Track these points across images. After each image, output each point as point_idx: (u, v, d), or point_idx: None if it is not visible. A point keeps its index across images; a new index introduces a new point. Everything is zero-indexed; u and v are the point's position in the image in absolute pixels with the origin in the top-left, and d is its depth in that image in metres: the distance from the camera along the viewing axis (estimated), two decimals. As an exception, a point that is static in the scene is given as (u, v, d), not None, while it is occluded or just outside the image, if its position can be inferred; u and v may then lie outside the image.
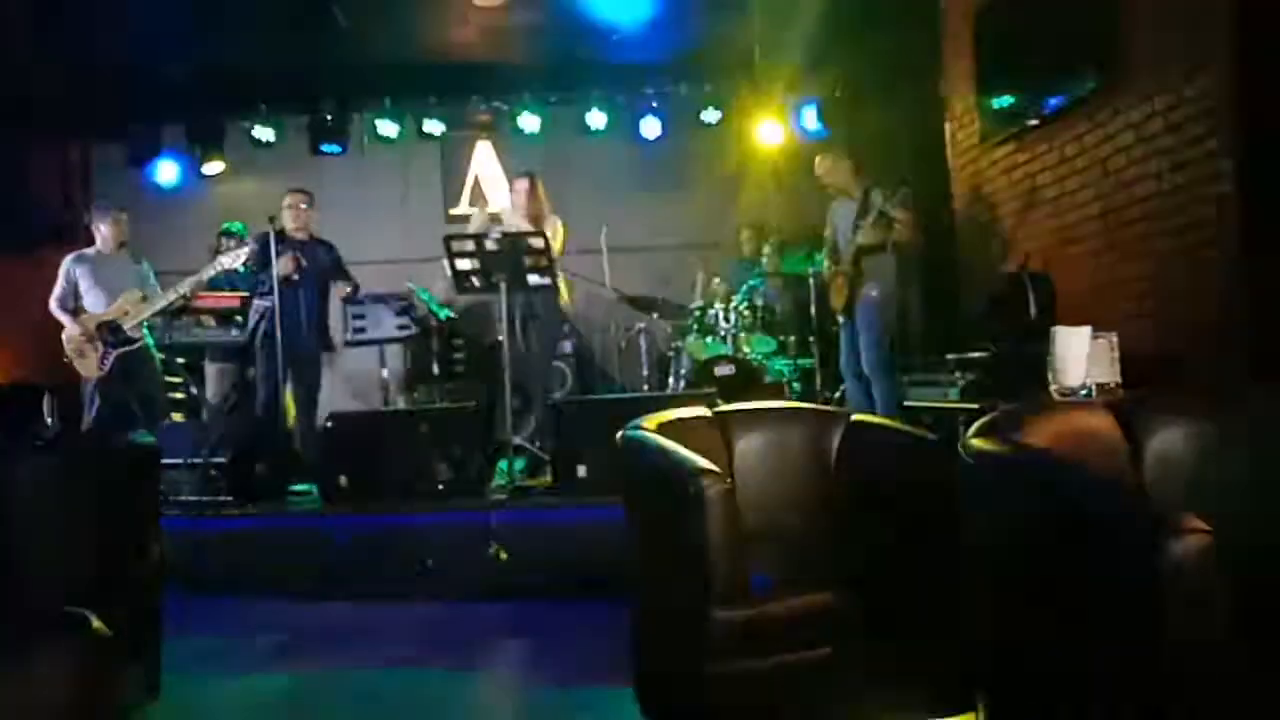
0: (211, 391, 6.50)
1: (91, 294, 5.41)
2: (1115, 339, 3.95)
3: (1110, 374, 3.85)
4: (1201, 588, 1.38)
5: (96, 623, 1.32)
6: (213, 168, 8.06)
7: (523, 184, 5.54)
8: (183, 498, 4.55)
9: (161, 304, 5.49)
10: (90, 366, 5.32)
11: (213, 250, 7.47)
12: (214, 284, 6.37)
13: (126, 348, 5.36)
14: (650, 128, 8.21)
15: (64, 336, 5.38)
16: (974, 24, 5.63)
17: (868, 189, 5.37)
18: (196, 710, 3.05)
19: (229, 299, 6.30)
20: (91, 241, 5.62)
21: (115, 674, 1.38)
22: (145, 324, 5.50)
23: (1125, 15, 4.37)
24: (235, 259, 5.53)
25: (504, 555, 4.09)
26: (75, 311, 5.40)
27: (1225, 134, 3.75)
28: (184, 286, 5.48)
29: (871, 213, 5.20)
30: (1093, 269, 4.76)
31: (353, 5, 6.00)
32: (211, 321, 6.45)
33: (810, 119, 7.96)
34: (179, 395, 6.47)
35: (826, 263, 5.77)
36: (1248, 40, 3.62)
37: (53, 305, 5.42)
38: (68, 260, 5.51)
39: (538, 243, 4.87)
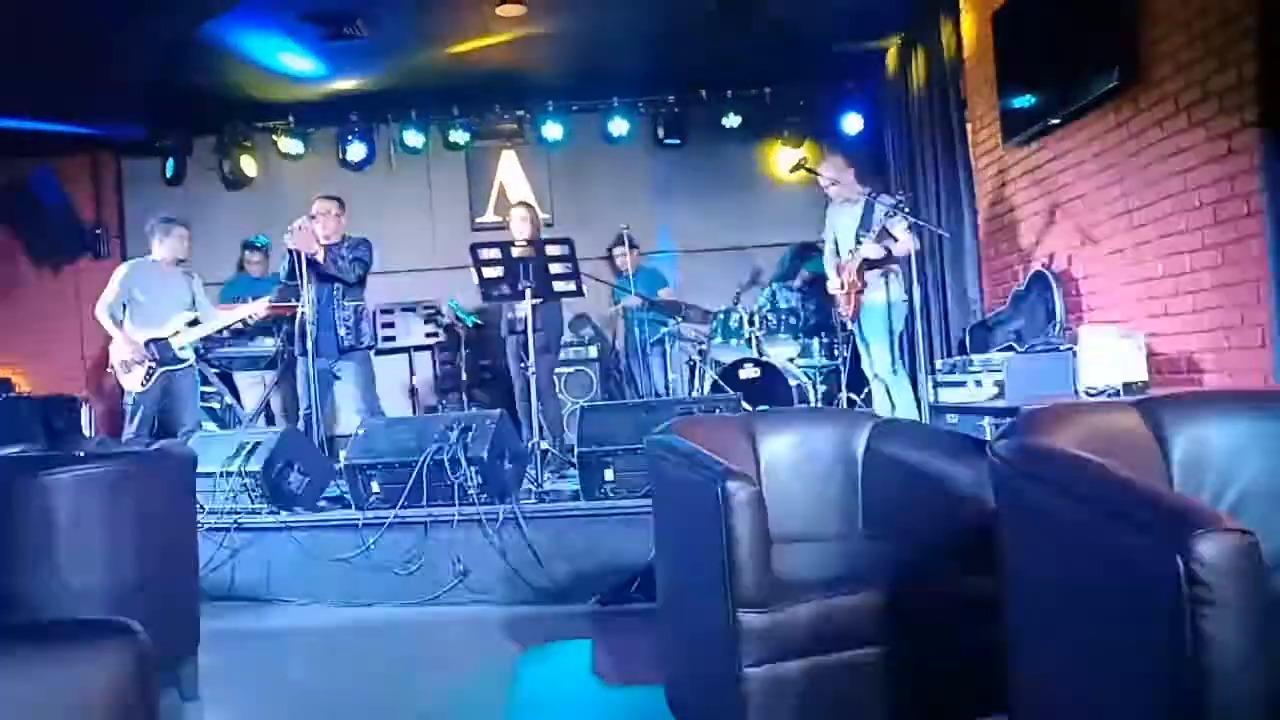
0: (245, 401, 6.59)
1: (146, 307, 5.41)
2: (1142, 338, 3.94)
3: (1138, 373, 3.84)
4: (1234, 589, 1.35)
5: (137, 629, 1.35)
6: (241, 180, 8.20)
7: (522, 211, 5.93)
8: (218, 506, 4.61)
9: (212, 328, 5.57)
10: (134, 381, 5.36)
11: (238, 264, 7.60)
12: (235, 296, 6.48)
13: (172, 367, 5.42)
14: (672, 134, 8.24)
15: (112, 348, 5.42)
16: (994, 23, 5.61)
17: (870, 199, 5.38)
18: (233, 714, 3.09)
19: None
20: (133, 254, 5.69)
21: (155, 679, 1.41)
22: (192, 345, 5.57)
23: (1147, 11, 4.35)
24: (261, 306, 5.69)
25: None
26: (120, 322, 5.42)
27: (1252, 129, 3.72)
28: (234, 316, 5.58)
29: (875, 227, 5.23)
30: (1118, 268, 4.73)
31: (376, 17, 6.07)
32: (228, 332, 6.56)
33: (854, 124, 7.98)
34: (213, 405, 6.57)
35: (828, 266, 5.81)
36: (1273, 33, 3.58)
37: (101, 312, 5.38)
38: (125, 268, 5.52)
39: (562, 250, 4.94)
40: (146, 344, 5.34)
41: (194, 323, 5.51)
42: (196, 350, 5.71)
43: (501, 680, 3.29)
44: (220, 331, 6.13)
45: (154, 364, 5.34)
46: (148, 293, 5.43)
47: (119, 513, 2.80)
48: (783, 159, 8.11)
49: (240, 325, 5.95)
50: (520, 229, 5.82)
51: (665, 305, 7.07)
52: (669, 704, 2.64)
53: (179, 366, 5.44)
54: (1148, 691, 1.48)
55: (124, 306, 5.43)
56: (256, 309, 5.68)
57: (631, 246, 7.17)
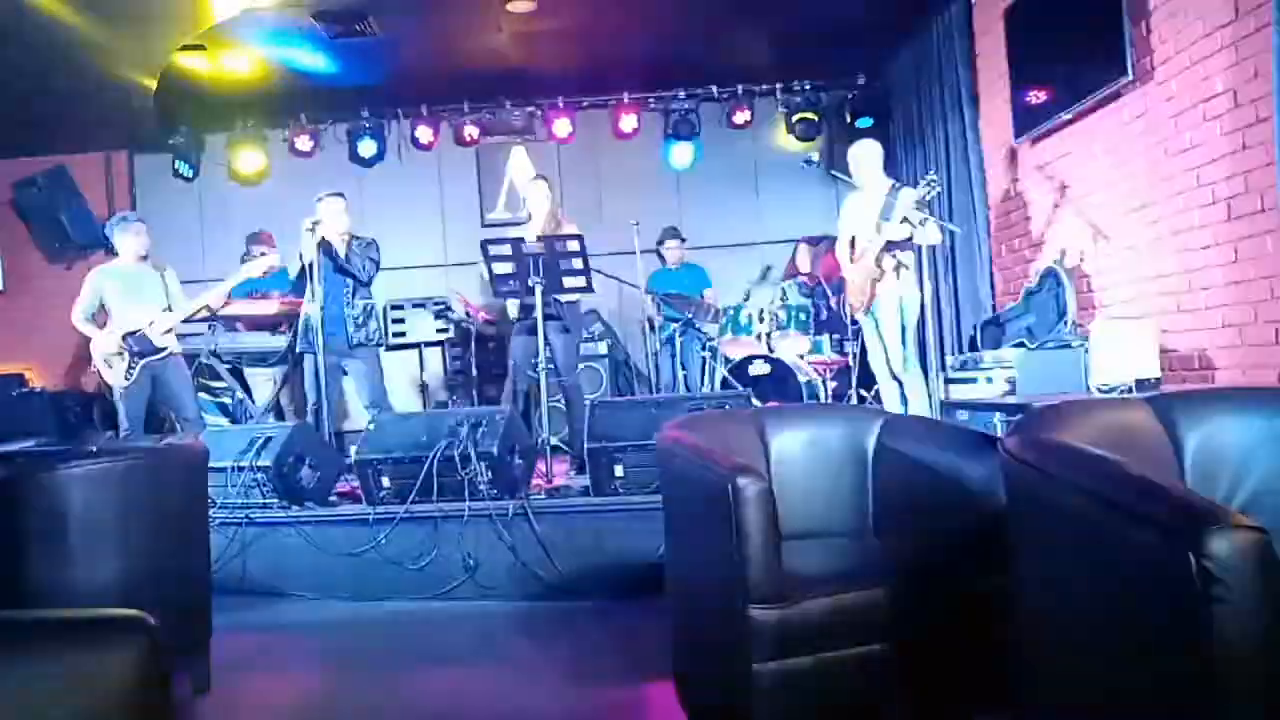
0: (256, 395, 6.62)
1: (121, 306, 5.44)
2: (1155, 335, 3.92)
3: (1150, 369, 3.82)
4: (1249, 587, 1.33)
5: (151, 622, 1.35)
6: (252, 177, 8.24)
7: (539, 186, 5.74)
8: (229, 500, 4.63)
9: (187, 312, 5.58)
10: (118, 376, 5.38)
11: (243, 257, 7.63)
12: (246, 291, 6.48)
13: (153, 357, 5.44)
14: (682, 130, 8.24)
15: (92, 347, 5.47)
16: (1005, 19, 5.59)
17: (894, 188, 5.33)
18: (245, 706, 3.11)
19: (264, 303, 6.41)
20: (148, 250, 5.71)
21: (168, 671, 1.41)
22: (174, 333, 5.58)
23: (1159, 6, 4.32)
24: (257, 267, 5.62)
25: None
26: (103, 324, 5.45)
27: (1267, 125, 3.69)
28: (207, 295, 5.57)
29: (896, 216, 5.17)
30: (1131, 264, 4.71)
31: (388, 13, 6.08)
32: (243, 327, 6.57)
33: (864, 119, 7.95)
34: (225, 400, 6.59)
35: (843, 255, 5.75)
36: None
37: (76, 318, 5.44)
38: (93, 274, 5.56)
39: (573, 246, 4.93)
40: (124, 337, 5.38)
41: (169, 309, 5.52)
42: (213, 351, 5.74)
43: (509, 675, 3.29)
44: (212, 322, 6.14)
45: (135, 357, 5.37)
46: (119, 293, 5.47)
47: (131, 507, 2.81)
48: (793, 154, 8.10)
49: (207, 311, 5.90)
50: (540, 204, 5.64)
51: (675, 301, 7.05)
52: (679, 699, 2.64)
53: (159, 356, 5.45)
54: (1160, 689, 1.47)
55: (101, 310, 5.48)
56: (217, 295, 5.67)
57: (680, 240, 7.23)
